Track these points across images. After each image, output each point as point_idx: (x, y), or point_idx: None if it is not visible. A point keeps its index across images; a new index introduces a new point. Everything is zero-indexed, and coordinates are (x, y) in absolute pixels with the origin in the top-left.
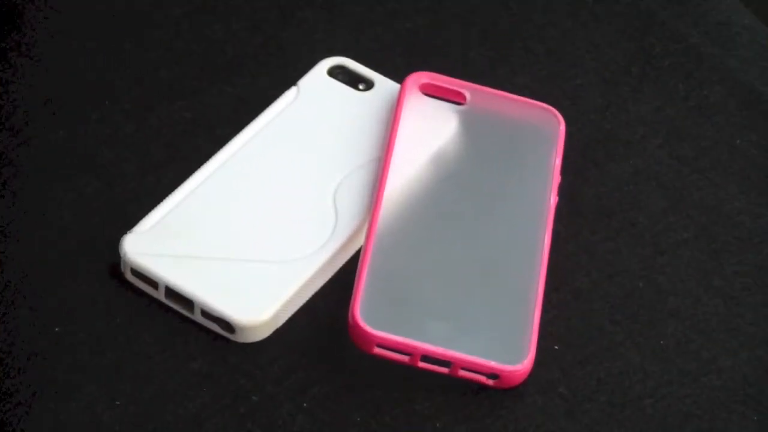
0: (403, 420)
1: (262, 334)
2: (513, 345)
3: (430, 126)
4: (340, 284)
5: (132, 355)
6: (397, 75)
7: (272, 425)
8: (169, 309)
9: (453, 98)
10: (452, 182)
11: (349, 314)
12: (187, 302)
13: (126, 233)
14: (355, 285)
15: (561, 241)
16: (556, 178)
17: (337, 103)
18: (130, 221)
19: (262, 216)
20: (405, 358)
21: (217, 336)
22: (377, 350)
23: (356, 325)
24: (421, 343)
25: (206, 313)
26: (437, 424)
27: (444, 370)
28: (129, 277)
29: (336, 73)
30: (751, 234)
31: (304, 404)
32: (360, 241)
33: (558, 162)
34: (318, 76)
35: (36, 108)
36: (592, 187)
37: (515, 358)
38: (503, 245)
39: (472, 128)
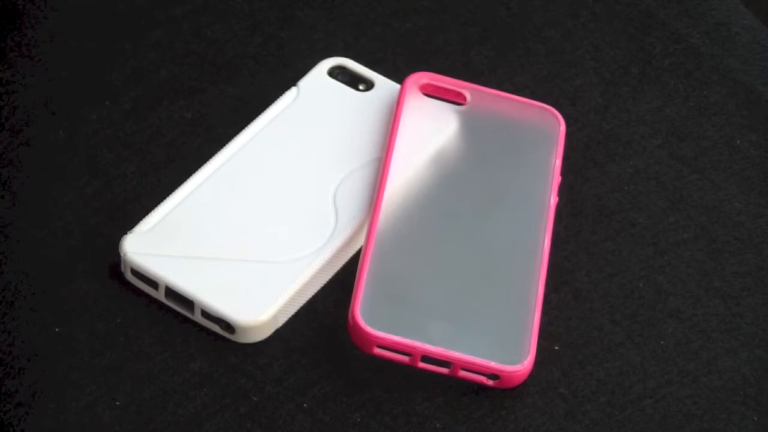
0: (403, 420)
1: (262, 334)
2: (513, 345)
3: (430, 126)
4: (340, 284)
5: (132, 355)
6: (397, 75)
7: (272, 425)
8: (169, 309)
9: (453, 98)
10: (452, 182)
11: (349, 314)
12: (187, 302)
13: (126, 233)
14: (355, 285)
15: (561, 241)
16: (556, 179)
17: (337, 104)
18: (130, 221)
19: (262, 216)
20: (405, 359)
21: (217, 336)
22: (377, 350)
23: (356, 325)
24: (421, 343)
25: (206, 314)
26: (437, 424)
27: (444, 370)
28: (129, 277)
29: (336, 73)
30: (751, 234)
31: (304, 404)
32: (360, 241)
33: (558, 162)
34: (318, 77)
35: (36, 108)
36: (592, 187)
37: (515, 359)
38: (503, 245)
39: (472, 128)
